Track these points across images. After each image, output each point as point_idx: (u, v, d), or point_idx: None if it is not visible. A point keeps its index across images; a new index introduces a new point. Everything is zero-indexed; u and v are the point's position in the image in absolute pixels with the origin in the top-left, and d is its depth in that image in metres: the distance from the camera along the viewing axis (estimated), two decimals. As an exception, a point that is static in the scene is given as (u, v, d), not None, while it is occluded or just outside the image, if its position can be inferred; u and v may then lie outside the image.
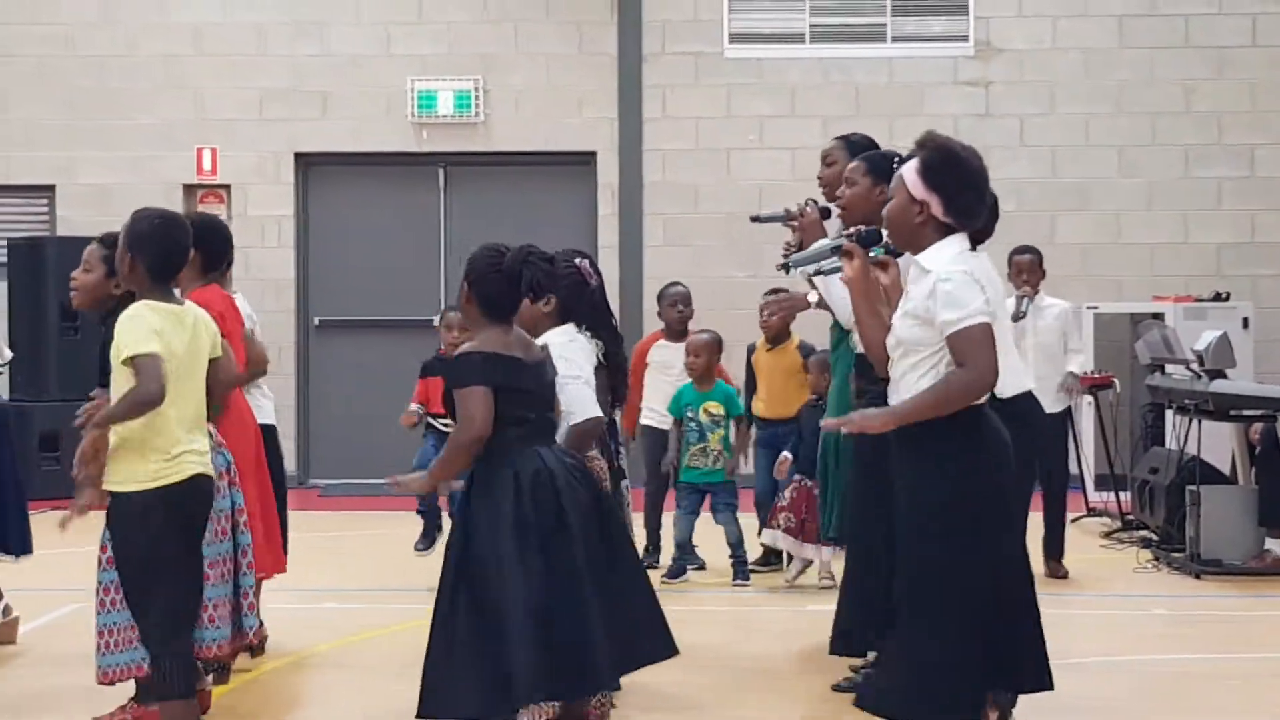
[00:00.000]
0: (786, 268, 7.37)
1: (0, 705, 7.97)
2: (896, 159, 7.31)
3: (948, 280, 5.62)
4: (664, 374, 12.17)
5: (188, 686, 6.40)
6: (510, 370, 6.20)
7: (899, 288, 5.96)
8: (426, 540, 11.46)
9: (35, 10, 18.42)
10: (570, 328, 7.20)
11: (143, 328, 6.19)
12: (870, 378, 6.88)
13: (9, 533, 9.24)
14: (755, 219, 8.44)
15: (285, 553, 8.82)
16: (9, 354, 9.06)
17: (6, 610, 9.34)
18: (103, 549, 6.83)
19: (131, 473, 6.23)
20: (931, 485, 5.63)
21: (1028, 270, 12.09)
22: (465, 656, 6.02)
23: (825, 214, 6.88)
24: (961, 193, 5.78)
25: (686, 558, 11.69)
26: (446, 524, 8.34)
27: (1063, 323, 12.21)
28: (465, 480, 6.31)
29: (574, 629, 6.03)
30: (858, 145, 8.20)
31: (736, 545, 11.58)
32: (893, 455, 5.80)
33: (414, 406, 11.57)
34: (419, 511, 11.56)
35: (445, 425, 11.45)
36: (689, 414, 11.62)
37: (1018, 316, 11.81)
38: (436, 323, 12.12)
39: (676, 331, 12.30)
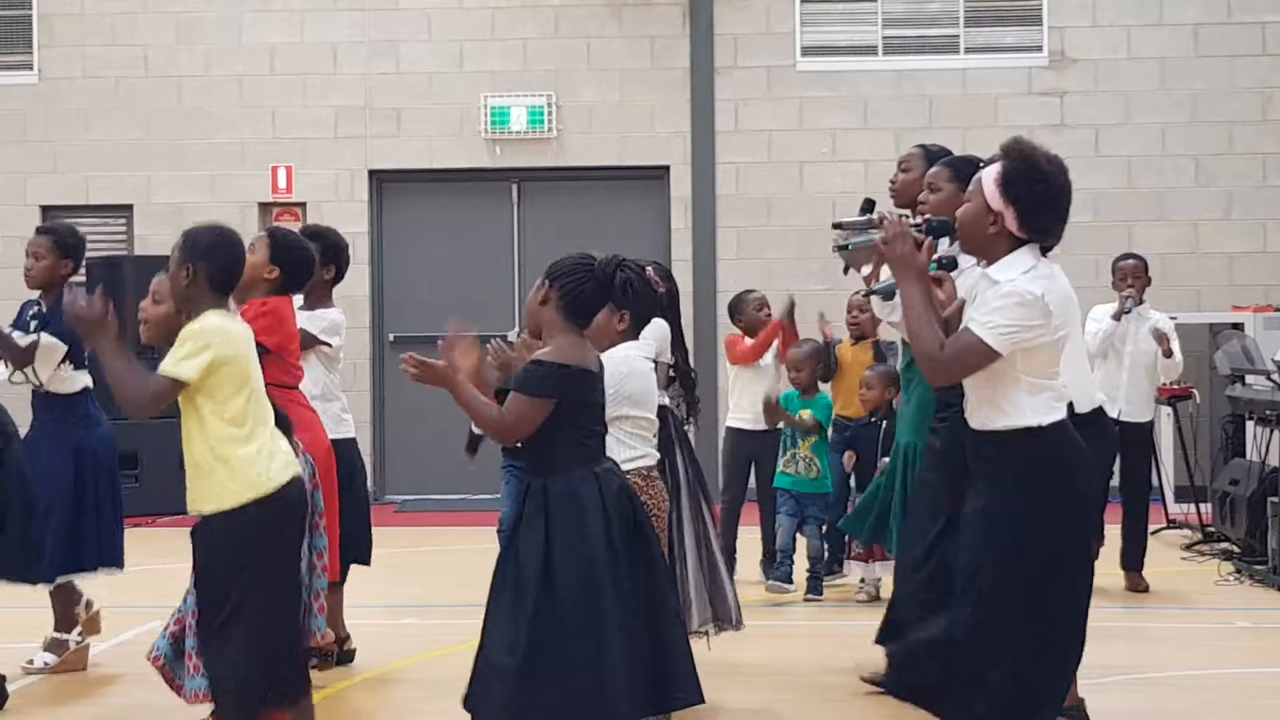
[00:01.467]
0: (844, 248, 7.29)
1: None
2: (980, 164, 7.23)
3: (1005, 295, 5.49)
4: (757, 376, 12.13)
5: (301, 689, 6.48)
6: (585, 384, 6.12)
7: (952, 301, 5.84)
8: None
9: (114, 33, 18.58)
10: (642, 344, 7.18)
11: (197, 348, 6.22)
12: (947, 398, 6.81)
13: (109, 547, 9.30)
14: (838, 225, 8.24)
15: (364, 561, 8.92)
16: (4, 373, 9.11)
17: (80, 636, 9.36)
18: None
19: (224, 491, 6.25)
20: (1017, 501, 5.56)
21: (1132, 275, 12.19)
22: (555, 674, 5.88)
23: (942, 231, 6.65)
24: (1040, 210, 5.61)
25: (787, 564, 11.66)
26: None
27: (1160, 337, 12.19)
28: (523, 492, 6.20)
29: (661, 643, 5.98)
30: (935, 154, 8.10)
31: (815, 560, 11.56)
32: (971, 466, 5.73)
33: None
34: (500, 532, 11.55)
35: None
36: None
37: (1119, 315, 11.87)
38: (512, 337, 12.12)
39: (757, 334, 12.27)
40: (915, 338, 5.62)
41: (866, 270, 7.56)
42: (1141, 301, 12.16)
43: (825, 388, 12.12)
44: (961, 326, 5.56)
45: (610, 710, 5.80)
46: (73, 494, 9.07)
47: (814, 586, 11.54)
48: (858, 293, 11.72)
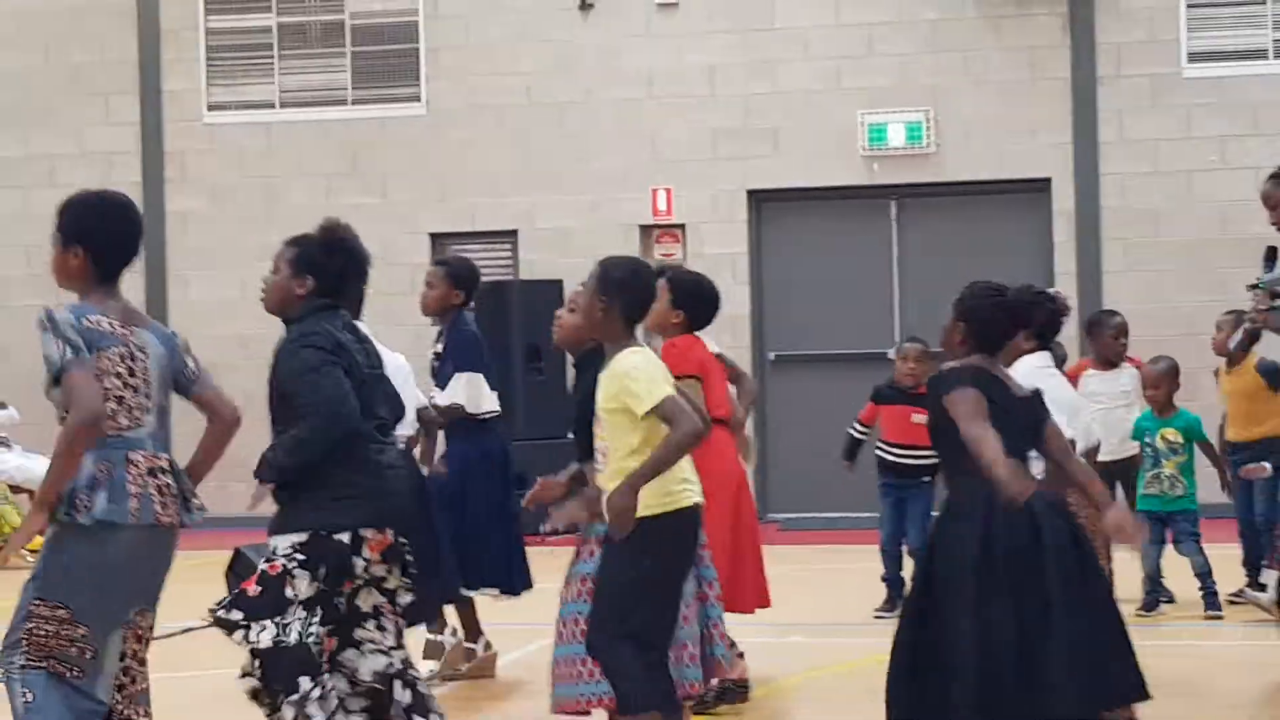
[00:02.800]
0: (1256, 286, 7.13)
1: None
2: None
3: None
4: (1092, 402, 11.86)
5: (662, 701, 6.56)
6: (997, 388, 6.13)
7: None
8: (890, 606, 11.33)
9: (495, 62, 19.03)
10: (1045, 356, 7.12)
11: (653, 374, 6.47)
12: None
13: (512, 571, 9.57)
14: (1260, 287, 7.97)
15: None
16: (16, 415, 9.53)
17: (487, 645, 9.64)
18: (582, 581, 7.02)
19: (646, 498, 6.42)
20: None
21: None
22: (909, 670, 5.91)
23: None
24: None
25: (1158, 590, 11.37)
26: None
27: None
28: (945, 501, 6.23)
29: (1026, 659, 5.90)
30: None
31: (1204, 575, 11.25)
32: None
33: (859, 426, 11.67)
34: (885, 580, 11.50)
35: (895, 455, 11.43)
36: (1146, 440, 11.39)
37: None
38: (892, 354, 12.10)
39: (1108, 360, 11.95)
40: None
41: None
42: None
43: (1192, 406, 11.81)
44: None
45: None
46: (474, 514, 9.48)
47: (1211, 603, 11.22)
48: (1226, 313, 11.47)
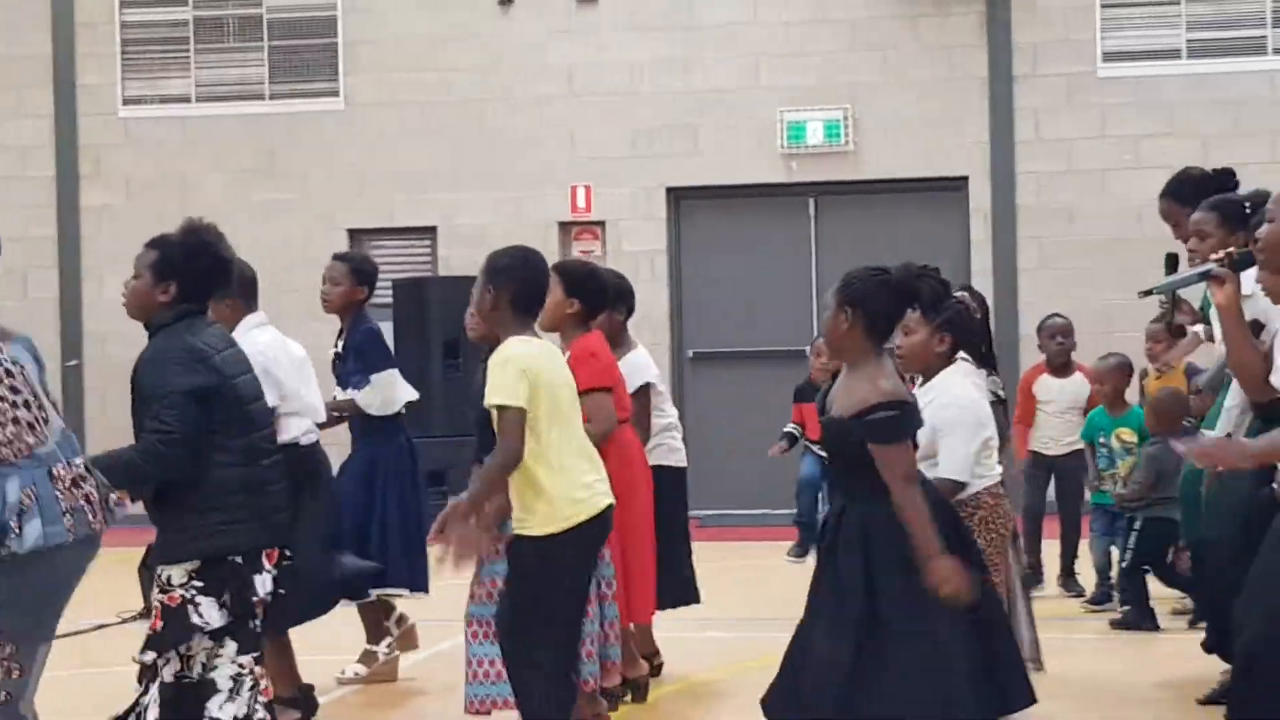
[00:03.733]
0: (1149, 293, 7.19)
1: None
2: (1245, 201, 7.45)
3: None
4: (1043, 409, 11.95)
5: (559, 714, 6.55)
6: (913, 417, 6.04)
7: (1234, 307, 5.74)
8: (801, 549, 11.59)
9: (415, 57, 18.96)
10: (967, 367, 7.10)
11: (511, 374, 6.33)
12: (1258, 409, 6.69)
13: (413, 570, 9.51)
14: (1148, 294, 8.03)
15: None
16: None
17: (390, 648, 9.56)
18: (492, 583, 7.01)
19: (541, 516, 6.37)
20: None
21: None
22: (894, 682, 5.85)
23: (1246, 264, 6.44)
24: None
25: (1108, 583, 11.45)
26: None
27: None
28: (837, 515, 6.17)
29: (993, 650, 5.92)
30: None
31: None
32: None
33: (790, 427, 11.75)
34: (796, 522, 11.65)
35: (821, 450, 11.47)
36: (1101, 440, 11.45)
37: None
38: (809, 351, 12.20)
39: (1057, 365, 12.03)
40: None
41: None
42: None
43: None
44: None
45: (955, 709, 5.75)
46: (374, 510, 9.39)
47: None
48: (1154, 321, 11.58)
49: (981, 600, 5.90)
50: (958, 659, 5.79)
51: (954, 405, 6.83)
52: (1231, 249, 6.43)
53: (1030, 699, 6.14)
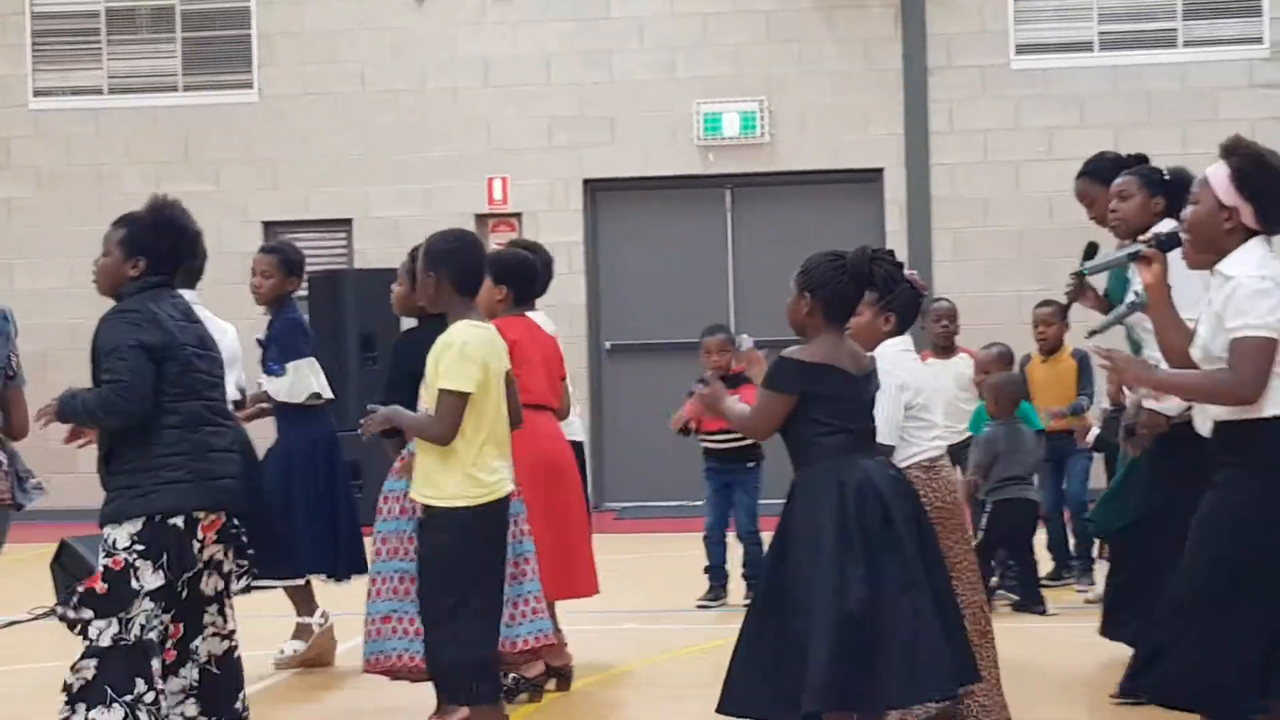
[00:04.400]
0: (1080, 275, 7.24)
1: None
2: (1162, 171, 7.73)
3: (1243, 287, 5.53)
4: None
5: (494, 693, 6.63)
6: (831, 381, 6.13)
7: (1163, 287, 5.84)
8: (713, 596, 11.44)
9: (330, 49, 18.89)
10: (906, 339, 7.19)
11: (468, 364, 6.42)
12: None
13: (338, 556, 9.51)
14: (1084, 273, 8.12)
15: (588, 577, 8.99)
16: None
17: (324, 618, 9.53)
18: (384, 540, 7.13)
19: (455, 488, 6.45)
20: (1245, 493, 5.52)
21: None
22: (764, 658, 5.95)
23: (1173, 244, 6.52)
24: (1276, 200, 5.68)
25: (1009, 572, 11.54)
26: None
27: None
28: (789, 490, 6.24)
29: (886, 640, 5.93)
30: (1153, 180, 8.02)
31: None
32: (1212, 458, 5.66)
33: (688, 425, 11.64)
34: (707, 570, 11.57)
35: (716, 442, 11.45)
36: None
37: None
38: (747, 345, 12.12)
39: (941, 348, 12.10)
40: (1205, 395, 5.68)
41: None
42: None
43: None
44: (1230, 341, 5.53)
45: (808, 699, 5.79)
46: (291, 495, 9.39)
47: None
48: (1040, 305, 11.76)
49: (911, 577, 5.99)
50: (832, 639, 5.86)
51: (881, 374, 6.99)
52: (1160, 231, 6.54)
53: (974, 676, 6.28)
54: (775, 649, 5.93)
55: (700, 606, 11.21)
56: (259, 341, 9.59)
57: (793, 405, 6.06)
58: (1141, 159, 8.33)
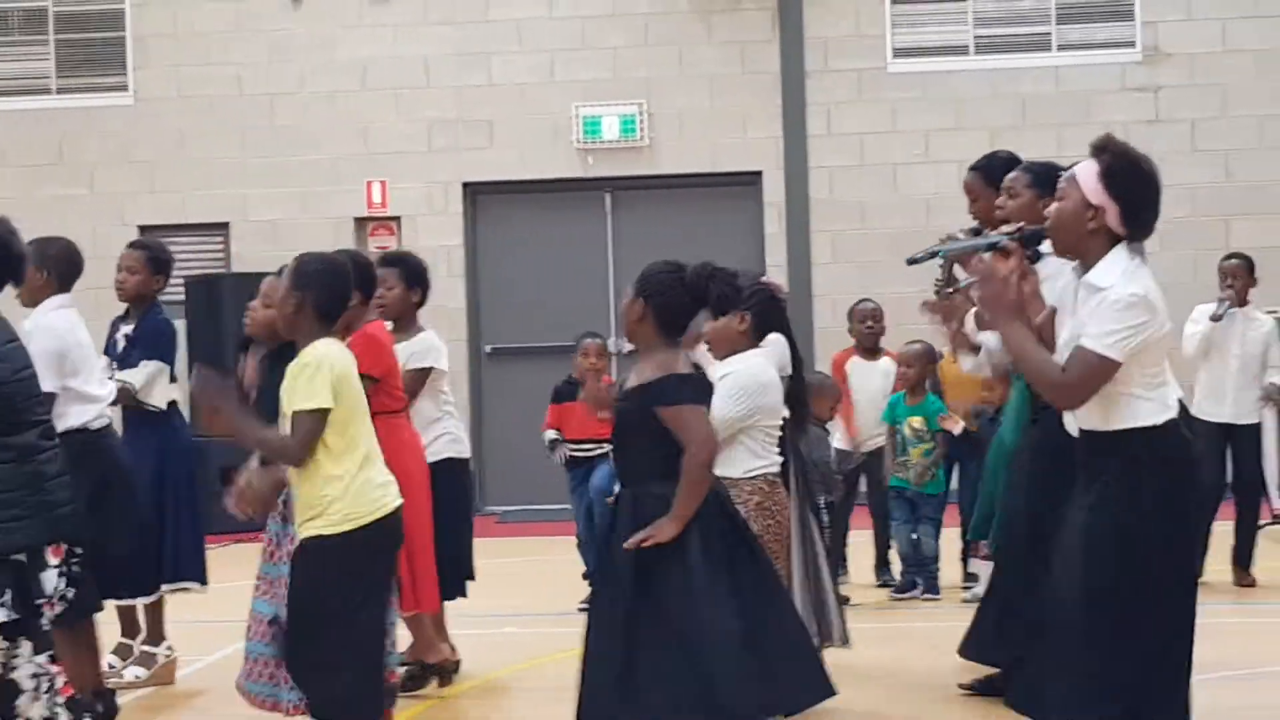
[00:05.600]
0: (913, 261, 7.19)
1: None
2: (1057, 170, 7.35)
3: (1111, 301, 5.38)
4: (855, 399, 12.08)
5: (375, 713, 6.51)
6: (704, 392, 6.16)
7: (1014, 272, 5.75)
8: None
9: (207, 52, 18.74)
10: (756, 353, 7.19)
11: (318, 378, 6.25)
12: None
13: (199, 564, 9.37)
14: (913, 261, 8.16)
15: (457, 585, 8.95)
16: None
17: (169, 650, 9.39)
18: (270, 583, 7.02)
19: (337, 514, 6.29)
20: (1131, 500, 5.45)
21: (1233, 275, 11.94)
22: (656, 680, 5.87)
23: (1036, 239, 6.50)
24: (1142, 205, 5.52)
25: (912, 570, 11.63)
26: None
27: (1268, 339, 12.04)
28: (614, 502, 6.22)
29: (778, 643, 5.94)
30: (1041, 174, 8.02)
31: (932, 559, 11.53)
32: (1081, 466, 5.64)
33: (550, 434, 11.58)
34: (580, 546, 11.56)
35: (584, 452, 11.43)
36: (897, 425, 11.68)
37: (1215, 318, 11.70)
38: (614, 347, 12.15)
39: (866, 348, 12.22)
40: (1035, 376, 5.60)
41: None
42: (1246, 302, 11.97)
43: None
44: (1076, 345, 5.44)
45: (725, 708, 5.78)
46: (161, 507, 9.20)
47: (930, 585, 11.51)
48: (924, 305, 11.83)
49: (756, 592, 5.99)
50: (724, 655, 5.84)
51: (730, 375, 7.02)
52: (1023, 223, 6.51)
53: (826, 691, 6.22)
54: (667, 670, 5.88)
55: (582, 609, 11.18)
56: (125, 338, 9.32)
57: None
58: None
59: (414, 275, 9.04)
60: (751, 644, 5.91)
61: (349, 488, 6.28)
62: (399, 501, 6.48)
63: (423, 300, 9.11)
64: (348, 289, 6.64)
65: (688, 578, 5.91)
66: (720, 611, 5.88)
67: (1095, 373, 5.39)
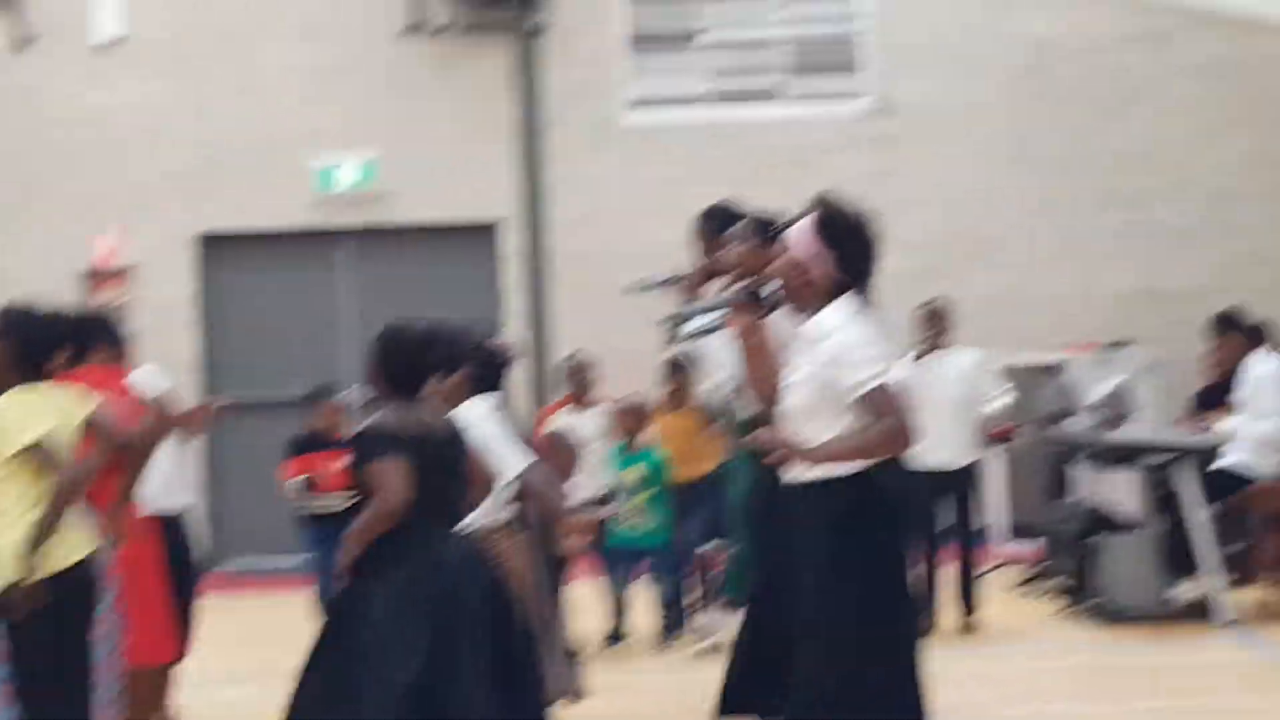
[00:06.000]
0: (672, 326, 7.31)
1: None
2: (773, 222, 7.54)
3: (849, 345, 5.61)
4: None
5: None
6: (421, 444, 6.17)
7: (753, 335, 5.97)
8: None
9: (-70, 98, 18.30)
10: (479, 401, 7.22)
11: (24, 413, 6.15)
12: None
13: None
14: (643, 288, 8.29)
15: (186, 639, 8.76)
16: None
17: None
18: None
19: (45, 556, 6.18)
20: (830, 543, 5.62)
21: (925, 322, 12.22)
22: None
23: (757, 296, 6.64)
24: (856, 252, 5.80)
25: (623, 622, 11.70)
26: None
27: (973, 373, 12.25)
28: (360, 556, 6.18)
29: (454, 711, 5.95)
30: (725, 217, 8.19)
31: (670, 605, 11.70)
32: (792, 516, 5.77)
33: (293, 481, 11.42)
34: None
35: (321, 506, 11.29)
36: (617, 476, 11.68)
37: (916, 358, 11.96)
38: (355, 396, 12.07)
39: (579, 399, 12.33)
40: (860, 453, 5.65)
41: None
42: (938, 345, 12.21)
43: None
44: (854, 396, 5.59)
45: None
46: None
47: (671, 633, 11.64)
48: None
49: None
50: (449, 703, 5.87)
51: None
52: (752, 281, 6.65)
53: None
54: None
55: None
56: None
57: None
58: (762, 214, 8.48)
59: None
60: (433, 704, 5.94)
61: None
62: (93, 546, 6.35)
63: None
64: (45, 338, 6.54)
65: (386, 627, 5.92)
66: (405, 668, 5.89)
67: (894, 401, 5.61)
